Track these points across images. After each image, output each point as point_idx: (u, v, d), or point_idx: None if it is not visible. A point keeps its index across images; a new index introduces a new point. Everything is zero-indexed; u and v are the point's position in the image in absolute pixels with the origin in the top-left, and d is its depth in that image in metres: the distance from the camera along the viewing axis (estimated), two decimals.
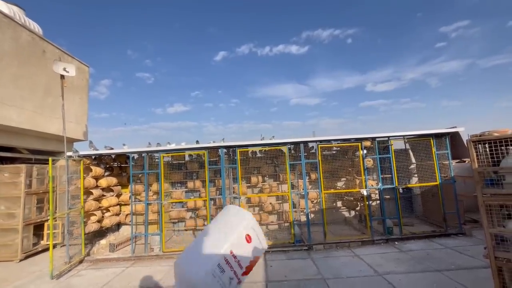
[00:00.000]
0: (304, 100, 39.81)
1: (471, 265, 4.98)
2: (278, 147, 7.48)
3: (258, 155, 8.95)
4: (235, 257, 0.52)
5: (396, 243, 6.60)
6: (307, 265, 5.60)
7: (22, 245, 6.94)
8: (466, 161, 9.62)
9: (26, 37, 7.60)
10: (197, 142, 7.77)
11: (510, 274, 3.01)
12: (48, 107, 8.18)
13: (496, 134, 3.07)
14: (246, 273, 0.51)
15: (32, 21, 8.87)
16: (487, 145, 3.18)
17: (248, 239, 0.51)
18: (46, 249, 7.36)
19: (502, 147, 3.00)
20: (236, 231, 0.53)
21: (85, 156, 7.21)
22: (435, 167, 7.13)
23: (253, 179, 8.45)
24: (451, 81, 34.96)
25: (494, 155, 3.06)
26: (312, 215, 8.65)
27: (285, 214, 8.17)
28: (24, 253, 6.99)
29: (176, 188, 8.74)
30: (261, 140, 7.59)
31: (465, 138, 3.31)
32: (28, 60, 7.61)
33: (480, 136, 3.19)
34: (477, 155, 3.21)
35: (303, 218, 7.77)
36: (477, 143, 3.22)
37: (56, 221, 7.03)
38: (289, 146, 7.67)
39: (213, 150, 7.59)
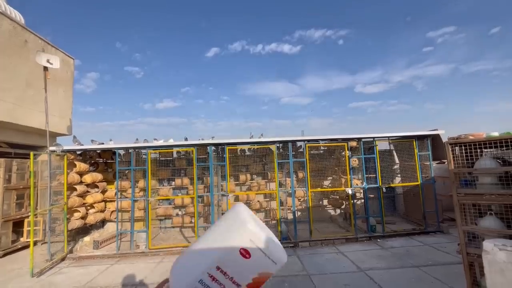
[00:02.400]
0: (294, 99, 40.11)
1: (447, 261, 5.25)
2: (267, 146, 7.55)
3: (247, 153, 9.00)
4: (224, 273, 0.47)
5: (378, 240, 6.84)
6: (293, 262, 5.71)
7: (0, 242, 6.69)
8: (446, 162, 10.05)
9: (7, 26, 7.26)
10: (186, 139, 7.73)
11: (481, 269, 3.21)
12: (29, 99, 7.86)
13: (471, 137, 3.26)
14: None
15: (13, 9, 8.47)
16: (463, 148, 3.36)
17: (245, 254, 0.44)
18: (25, 247, 7.13)
19: (477, 150, 3.18)
20: (227, 243, 0.46)
21: (69, 151, 7.02)
22: (417, 167, 7.41)
23: (242, 177, 8.49)
24: (436, 85, 36.20)
25: (469, 157, 3.24)
26: (299, 213, 8.81)
27: (273, 212, 8.28)
28: (3, 251, 6.74)
29: (163, 185, 8.66)
30: (250, 138, 7.64)
31: (445, 140, 3.48)
32: (8, 50, 7.27)
33: (457, 139, 3.37)
34: (453, 157, 3.39)
35: (290, 216, 7.90)
36: (454, 146, 3.40)
37: (37, 217, 6.81)
38: (278, 145, 7.76)
39: (201, 147, 7.56)
